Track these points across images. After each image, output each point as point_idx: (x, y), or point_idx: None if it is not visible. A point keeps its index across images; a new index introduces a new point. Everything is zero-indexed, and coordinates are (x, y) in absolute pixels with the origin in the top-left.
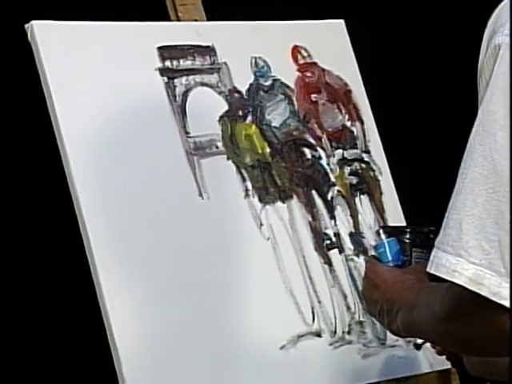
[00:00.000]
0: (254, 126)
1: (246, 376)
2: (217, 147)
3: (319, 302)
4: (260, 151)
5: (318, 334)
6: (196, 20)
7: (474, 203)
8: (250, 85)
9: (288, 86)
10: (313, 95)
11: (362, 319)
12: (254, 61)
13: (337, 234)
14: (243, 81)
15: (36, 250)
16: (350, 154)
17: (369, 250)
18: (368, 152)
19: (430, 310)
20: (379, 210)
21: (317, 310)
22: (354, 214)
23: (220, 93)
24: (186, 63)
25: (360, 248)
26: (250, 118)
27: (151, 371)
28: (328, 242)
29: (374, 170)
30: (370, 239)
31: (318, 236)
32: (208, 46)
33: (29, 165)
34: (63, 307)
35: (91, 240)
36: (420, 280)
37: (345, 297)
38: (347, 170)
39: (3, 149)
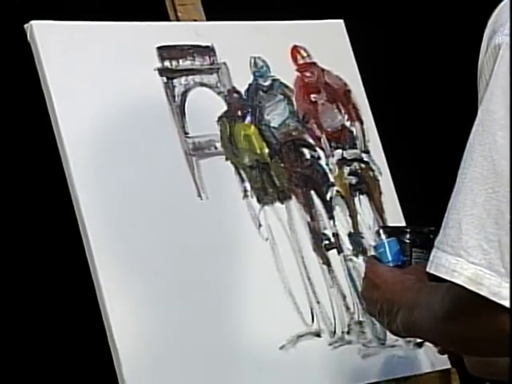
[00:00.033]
0: (252, 127)
1: (246, 376)
2: (215, 148)
3: (318, 302)
4: (259, 151)
5: (318, 334)
6: (195, 20)
7: (473, 203)
8: (249, 85)
9: (287, 86)
10: (312, 95)
11: (361, 319)
12: (253, 61)
13: (336, 235)
14: (242, 81)
15: (36, 251)
16: (349, 154)
17: (368, 251)
18: (367, 152)
19: (430, 310)
20: (378, 210)
21: (316, 310)
22: (353, 214)
23: (219, 93)
24: (185, 63)
25: (359, 248)
26: (248, 118)
27: (151, 371)
28: (327, 242)
29: (373, 170)
30: (369, 239)
31: (317, 236)
32: (207, 46)
33: (28, 165)
34: (63, 308)
35: (91, 240)
36: (420, 280)
37: (344, 297)
38: (346, 170)
39: (3, 149)
